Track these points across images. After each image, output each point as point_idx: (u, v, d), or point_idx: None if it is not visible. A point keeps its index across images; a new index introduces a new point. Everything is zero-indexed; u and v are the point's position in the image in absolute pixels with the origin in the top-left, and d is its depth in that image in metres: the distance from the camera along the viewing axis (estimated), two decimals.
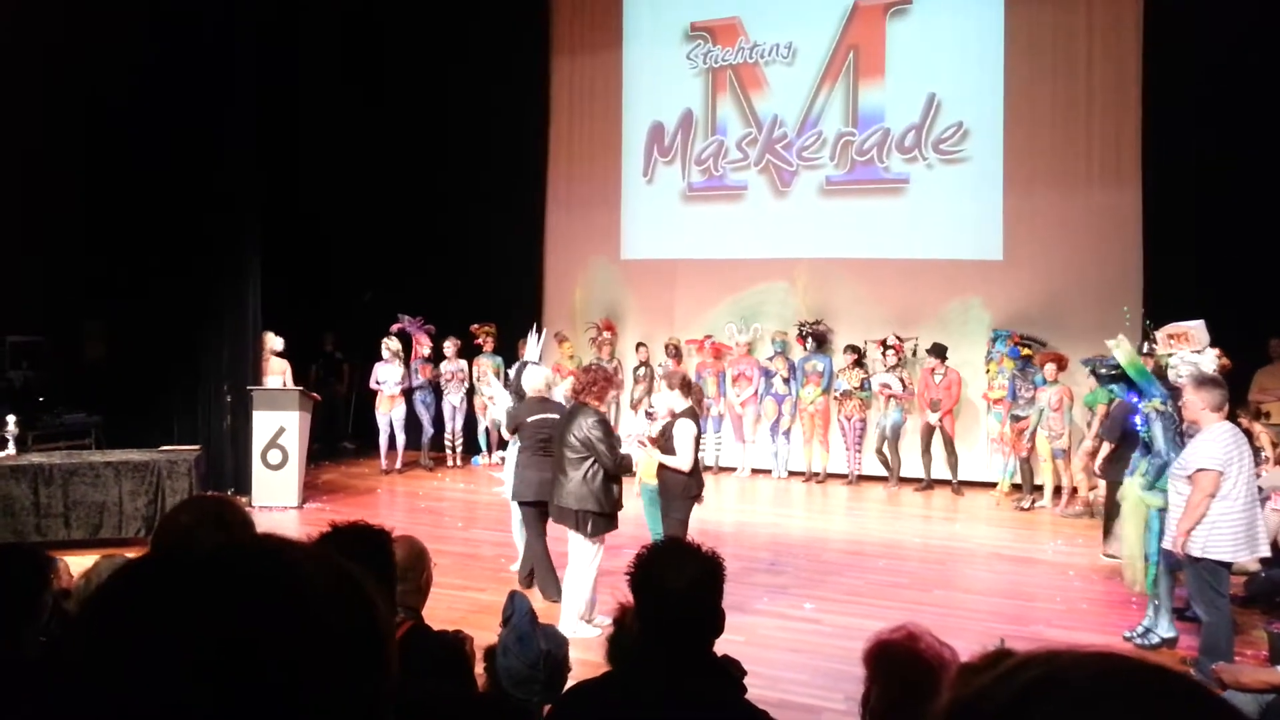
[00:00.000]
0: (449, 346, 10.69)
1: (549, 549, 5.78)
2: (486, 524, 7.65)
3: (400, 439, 10.35)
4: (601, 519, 5.24)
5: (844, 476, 10.06)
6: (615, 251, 11.28)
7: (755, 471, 10.48)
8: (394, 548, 2.26)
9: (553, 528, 5.61)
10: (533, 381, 5.93)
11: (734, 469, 10.54)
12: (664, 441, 5.44)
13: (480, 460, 10.96)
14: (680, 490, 5.42)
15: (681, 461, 5.35)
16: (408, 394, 10.47)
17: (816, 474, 10.17)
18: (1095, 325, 9.01)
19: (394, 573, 2.25)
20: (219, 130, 8.61)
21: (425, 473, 10.46)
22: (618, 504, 5.27)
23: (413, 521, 7.67)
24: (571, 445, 5.18)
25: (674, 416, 5.46)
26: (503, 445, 8.99)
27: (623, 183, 11.27)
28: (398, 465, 10.38)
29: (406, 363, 10.48)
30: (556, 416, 5.65)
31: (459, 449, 10.83)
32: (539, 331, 6.82)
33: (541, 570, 5.74)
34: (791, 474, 10.34)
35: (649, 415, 5.86)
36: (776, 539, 7.59)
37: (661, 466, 5.43)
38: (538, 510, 5.78)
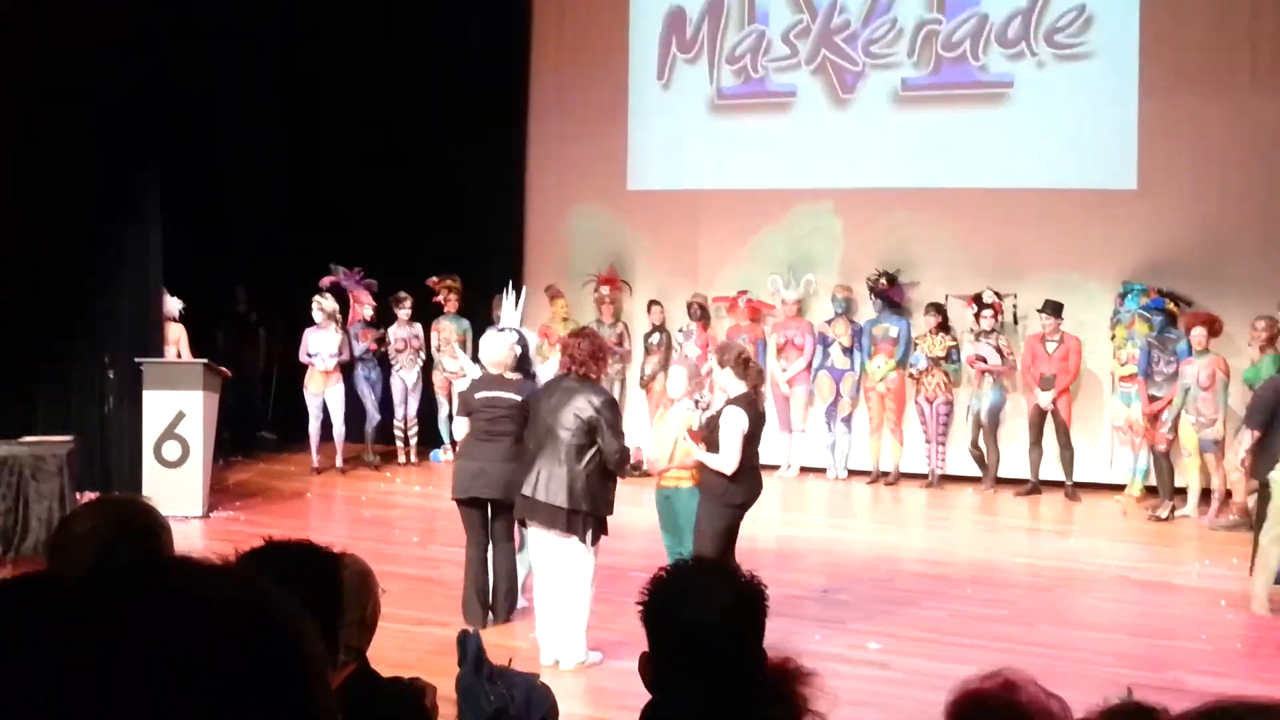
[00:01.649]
0: (399, 306, 10.73)
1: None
2: (450, 538, 7.70)
3: (338, 428, 10.42)
4: (599, 524, 5.36)
5: (922, 477, 10.11)
6: (620, 181, 11.28)
7: (805, 470, 10.53)
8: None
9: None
10: (490, 352, 6.05)
11: (777, 467, 10.56)
12: (711, 435, 5.48)
13: (441, 455, 11.03)
14: (717, 495, 5.47)
15: (723, 460, 5.40)
16: (347, 369, 10.55)
17: (886, 474, 10.22)
18: (1260, 276, 8.96)
19: (342, 609, 2.28)
20: (102, 37, 8.65)
21: (370, 471, 10.55)
22: (611, 506, 5.41)
23: (355, 535, 7.73)
24: (568, 428, 5.25)
25: (726, 403, 5.52)
26: None
27: (630, 89, 11.23)
28: (335, 462, 10.46)
29: (344, 328, 10.55)
30: (514, 396, 5.79)
31: (414, 440, 10.90)
32: (517, 289, 6.82)
33: (501, 585, 5.89)
34: (853, 473, 10.39)
35: (697, 404, 5.90)
36: (833, 558, 7.63)
37: (703, 466, 5.52)
38: (480, 512, 5.94)
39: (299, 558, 2.19)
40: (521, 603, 6.10)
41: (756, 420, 5.50)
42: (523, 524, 5.63)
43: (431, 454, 11.11)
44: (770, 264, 10.70)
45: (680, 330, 10.71)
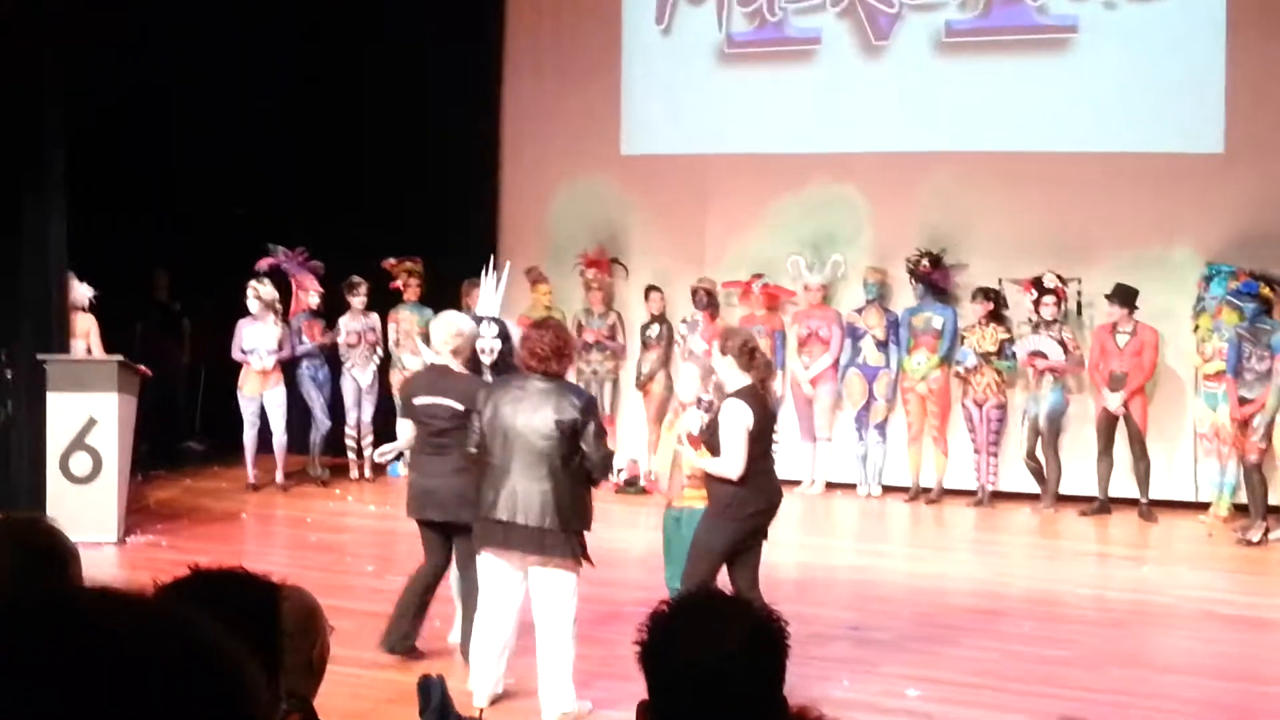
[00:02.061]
0: (352, 294, 10.71)
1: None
2: (410, 567, 7.71)
3: (278, 436, 10.42)
4: (582, 542, 5.40)
5: (970, 494, 10.12)
6: (612, 144, 11.28)
7: (832, 486, 10.55)
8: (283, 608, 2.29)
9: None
10: (434, 339, 6.07)
11: (798, 482, 10.57)
12: (712, 438, 5.52)
13: (401, 469, 10.96)
14: (724, 507, 5.50)
15: (726, 463, 5.42)
16: (288, 367, 10.55)
17: (927, 490, 10.23)
18: None
19: (281, 651, 2.28)
20: None
21: (317, 488, 10.56)
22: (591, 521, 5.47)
23: (299, 563, 7.72)
24: (548, 436, 5.26)
25: (724, 396, 5.55)
26: None
27: (624, 36, 11.23)
28: (275, 477, 10.47)
29: (286, 319, 10.55)
30: (456, 405, 5.80)
31: (368, 451, 10.86)
32: (497, 269, 6.78)
33: (468, 617, 5.89)
34: (888, 489, 10.40)
35: (699, 403, 5.93)
36: (864, 590, 7.63)
37: (709, 478, 5.56)
38: (439, 534, 5.98)
39: (230, 589, 2.18)
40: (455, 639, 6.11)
41: (764, 416, 5.54)
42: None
43: (390, 468, 11.07)
44: (790, 242, 10.69)
45: (684, 321, 10.71)
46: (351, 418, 10.86)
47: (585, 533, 5.41)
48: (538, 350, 5.34)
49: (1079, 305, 9.93)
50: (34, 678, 0.69)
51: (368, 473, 10.92)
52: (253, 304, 10.28)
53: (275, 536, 9.36)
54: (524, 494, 5.25)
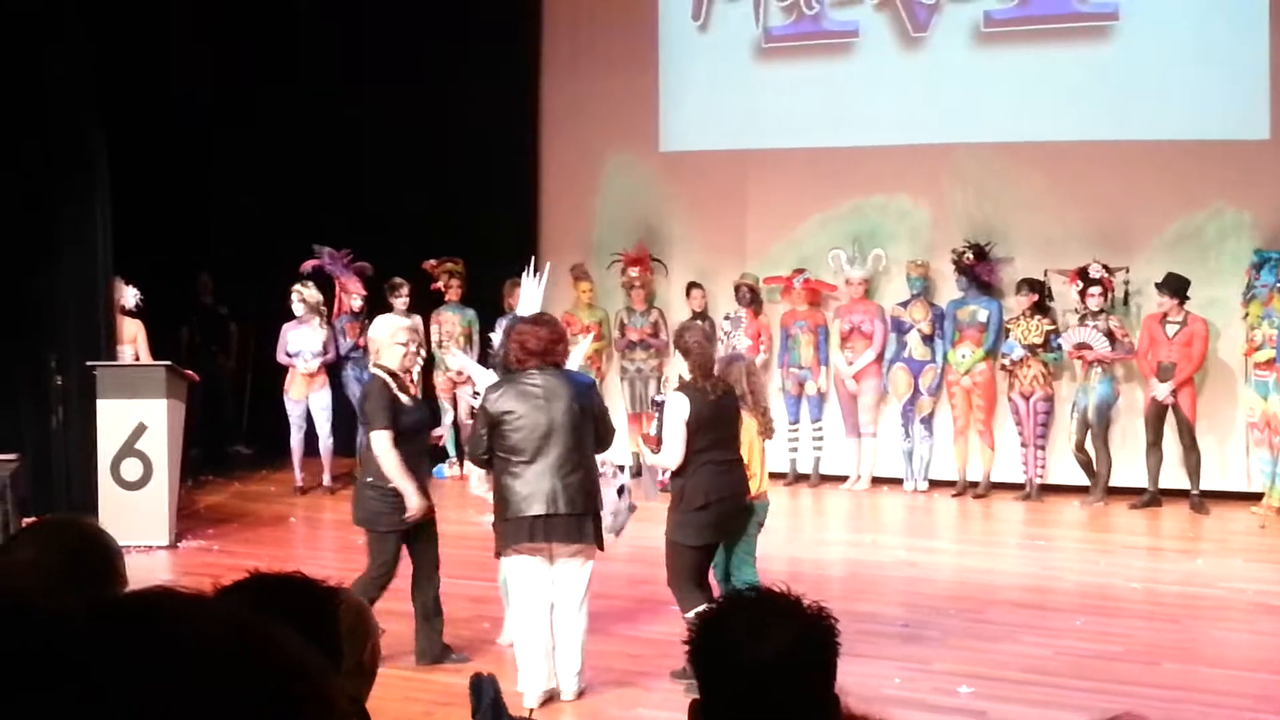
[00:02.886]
0: (394, 295, 10.77)
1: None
2: (458, 568, 7.75)
3: (324, 440, 10.51)
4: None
5: (1018, 488, 10.08)
6: (650, 142, 11.32)
7: (878, 482, 10.56)
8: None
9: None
10: (374, 333, 6.24)
11: (844, 478, 10.58)
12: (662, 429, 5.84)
13: (446, 470, 11.09)
14: (675, 501, 5.75)
15: (663, 455, 5.75)
16: (333, 370, 10.63)
17: (974, 484, 10.20)
18: None
19: (341, 655, 2.30)
20: None
21: None
22: None
23: (346, 566, 7.71)
24: (575, 423, 5.51)
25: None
26: None
27: (660, 33, 11.26)
28: (322, 480, 10.54)
29: (330, 321, 10.63)
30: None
31: None
32: (538, 269, 6.82)
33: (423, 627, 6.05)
34: (934, 484, 10.39)
35: (655, 406, 6.22)
36: (914, 586, 7.62)
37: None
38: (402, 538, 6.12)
39: (290, 593, 2.19)
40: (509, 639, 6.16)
41: (706, 408, 5.67)
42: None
43: (435, 469, 11.14)
44: (832, 236, 10.70)
45: (726, 318, 10.74)
46: None
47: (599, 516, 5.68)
48: (530, 344, 5.50)
49: (1126, 295, 9.85)
50: (128, 685, 0.70)
51: None
52: (297, 307, 10.35)
53: (323, 539, 9.42)
54: (563, 484, 5.43)
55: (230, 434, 11.86)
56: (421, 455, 6.23)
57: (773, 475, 10.38)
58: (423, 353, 10.91)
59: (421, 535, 6.06)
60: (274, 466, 11.15)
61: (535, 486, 5.43)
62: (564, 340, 5.74)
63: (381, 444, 5.85)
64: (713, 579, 5.94)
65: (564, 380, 5.55)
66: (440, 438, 6.88)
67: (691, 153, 11.17)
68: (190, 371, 9.12)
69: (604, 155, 11.43)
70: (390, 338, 6.07)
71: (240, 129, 11.56)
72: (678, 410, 5.67)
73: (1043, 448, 9.96)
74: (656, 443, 5.86)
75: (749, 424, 5.97)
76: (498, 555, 5.69)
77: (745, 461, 5.88)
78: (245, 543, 8.72)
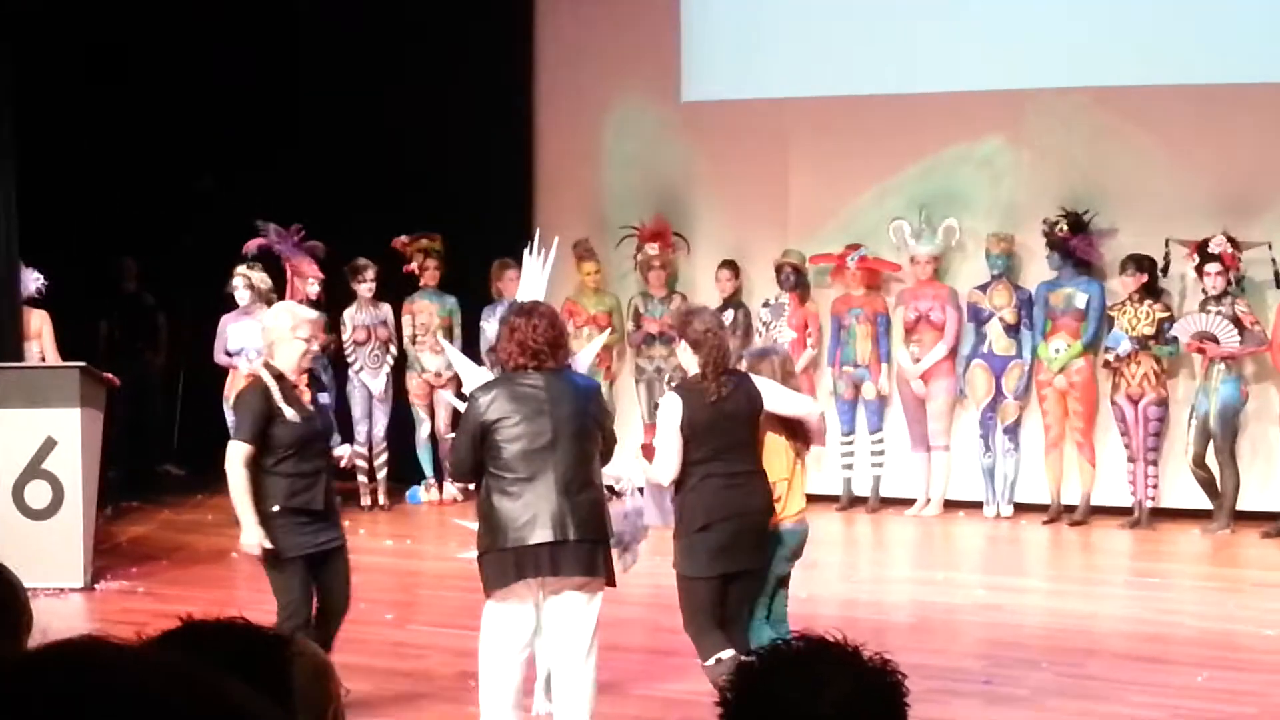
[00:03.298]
0: (358, 280, 10.80)
1: None
2: (440, 615, 7.76)
3: None
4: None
5: (1125, 512, 10.06)
6: (669, 89, 11.31)
7: (952, 505, 10.53)
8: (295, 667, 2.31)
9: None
10: (270, 323, 6.33)
11: (910, 501, 10.57)
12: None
13: (422, 494, 11.09)
14: (675, 524, 5.81)
15: (655, 467, 5.82)
16: None
17: (1070, 509, 10.19)
18: None
19: (294, 711, 2.31)
20: None
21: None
22: None
23: None
24: (586, 434, 5.56)
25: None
26: None
27: None
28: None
29: None
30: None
31: (382, 473, 11.01)
32: (540, 246, 6.76)
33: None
34: (1022, 509, 10.35)
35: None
36: (996, 633, 7.59)
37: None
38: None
39: (234, 645, 2.18)
40: (546, 707, 6.15)
41: (704, 410, 5.73)
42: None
43: (409, 493, 11.17)
44: (894, 204, 10.68)
45: (765, 305, 10.74)
46: (360, 432, 10.89)
47: (624, 556, 5.83)
48: (530, 342, 5.49)
49: (1276, 275, 9.71)
50: None
51: (382, 499, 11.00)
52: (241, 295, 10.31)
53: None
54: (573, 505, 5.41)
55: (159, 451, 11.85)
56: (318, 476, 6.18)
57: (823, 498, 10.51)
58: (392, 349, 10.97)
59: (329, 566, 6.14)
60: (211, 490, 11.10)
61: (538, 509, 5.40)
62: (563, 340, 5.77)
63: (232, 457, 5.95)
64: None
65: (568, 382, 5.59)
66: (343, 459, 6.82)
67: (721, 103, 11.14)
68: (110, 375, 9.12)
69: (613, 106, 11.42)
70: (291, 331, 6.10)
71: (169, 89, 11.59)
72: (669, 414, 5.75)
73: (1154, 463, 9.94)
74: (652, 453, 5.97)
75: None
76: (489, 594, 5.65)
77: (771, 476, 5.90)
78: (177, 584, 8.71)
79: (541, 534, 5.38)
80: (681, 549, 5.74)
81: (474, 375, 6.64)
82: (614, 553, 5.84)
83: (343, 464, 6.78)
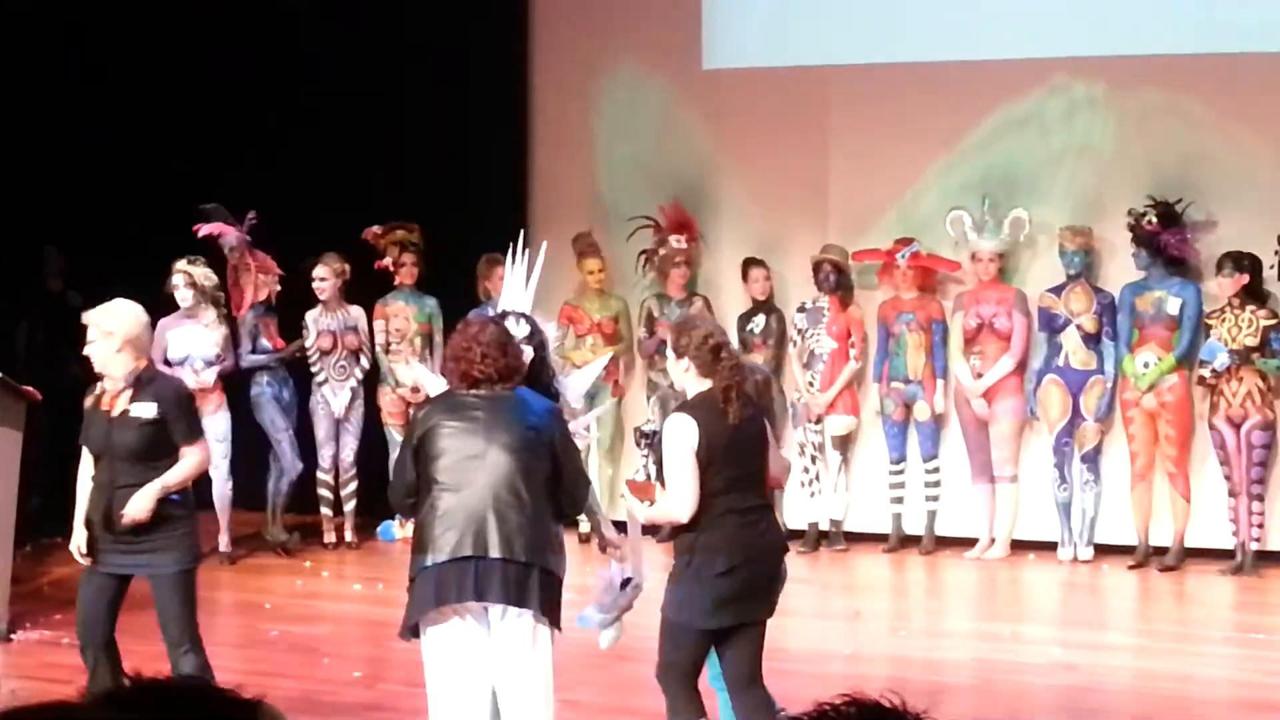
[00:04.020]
0: (322, 279, 10.78)
1: None
2: (415, 672, 7.71)
3: (221, 485, 10.48)
4: (557, 594, 5.56)
5: (1226, 556, 10.03)
6: (688, 55, 11.32)
7: (1020, 546, 10.50)
8: None
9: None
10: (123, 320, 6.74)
11: (971, 541, 10.56)
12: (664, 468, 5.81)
13: (397, 531, 11.03)
14: (683, 568, 5.73)
15: (670, 502, 5.71)
16: (237, 385, 10.63)
17: (1161, 551, 10.16)
18: None
19: None
20: None
21: (279, 558, 10.65)
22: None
23: (258, 669, 7.75)
24: (516, 449, 5.49)
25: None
26: None
27: None
28: (219, 544, 10.55)
29: (230, 315, 10.64)
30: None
31: (350, 505, 11.00)
32: (528, 247, 6.77)
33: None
34: (1103, 551, 10.31)
35: (642, 439, 6.28)
36: (1073, 699, 7.59)
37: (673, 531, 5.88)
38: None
39: (191, 708, 2.19)
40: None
41: (725, 433, 5.72)
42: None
43: (381, 528, 11.13)
44: (952, 191, 10.67)
45: (801, 310, 10.73)
46: (325, 456, 10.91)
47: (602, 634, 5.67)
48: (476, 373, 5.55)
49: None
50: None
51: (349, 535, 10.99)
52: (183, 294, 10.32)
53: (222, 630, 9.32)
54: (496, 515, 5.39)
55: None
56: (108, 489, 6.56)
57: (870, 537, 10.59)
58: (363, 360, 10.94)
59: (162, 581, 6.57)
60: None
61: (455, 519, 5.41)
62: (519, 360, 5.76)
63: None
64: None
65: (518, 396, 5.60)
66: None
67: (749, 71, 11.17)
68: (30, 388, 9.11)
69: (620, 76, 11.46)
70: (144, 330, 6.71)
71: (97, 55, 11.66)
72: (683, 437, 5.67)
73: (1260, 498, 9.91)
74: (648, 491, 5.87)
75: None
76: (406, 634, 5.61)
77: None
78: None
79: (458, 547, 5.38)
80: (683, 594, 5.68)
81: (434, 384, 6.71)
82: (596, 621, 5.85)
83: None
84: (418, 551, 5.50)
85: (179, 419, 6.52)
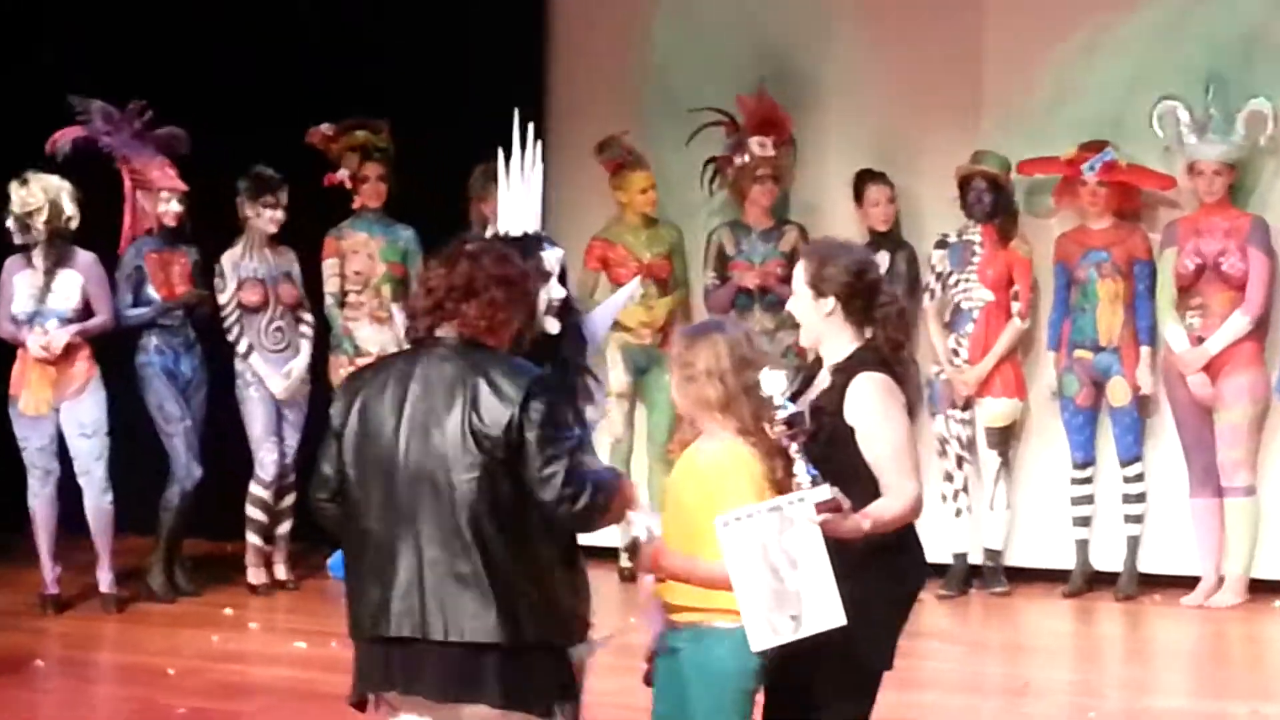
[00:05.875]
0: (257, 200, 10.81)
1: None
2: None
3: (95, 496, 10.51)
4: (568, 679, 5.52)
5: None
6: None
7: (1261, 588, 10.53)
8: None
9: None
10: None
11: (1191, 581, 10.53)
12: (829, 458, 5.61)
13: None
14: (878, 583, 5.59)
15: (896, 496, 5.59)
16: (115, 351, 10.71)
17: None
18: None
19: None
20: None
21: (182, 604, 10.72)
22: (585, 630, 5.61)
23: None
24: (458, 460, 5.37)
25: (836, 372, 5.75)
26: None
27: None
28: (100, 582, 10.63)
29: (115, 255, 10.71)
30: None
31: (285, 526, 11.15)
32: (526, 141, 6.75)
33: None
34: (1260, 586, 10.33)
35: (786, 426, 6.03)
36: None
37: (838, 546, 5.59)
38: None
39: None
40: None
41: (908, 408, 5.83)
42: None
43: (332, 560, 11.06)
44: (1156, 76, 10.73)
45: (942, 245, 10.89)
46: (265, 461, 11.00)
47: (570, 651, 5.53)
48: (443, 302, 5.44)
49: None
50: None
51: (283, 573, 11.16)
52: (18, 224, 10.35)
53: (107, 707, 9.39)
54: (433, 571, 5.36)
55: None
56: None
57: (1041, 573, 10.71)
58: (306, 319, 10.97)
59: None
60: (7, 554, 11.22)
61: (371, 580, 5.44)
62: (504, 300, 5.60)
63: None
64: None
65: (472, 370, 5.44)
66: None
67: None
68: None
69: None
70: None
71: None
72: (894, 401, 5.66)
73: None
74: (839, 505, 5.55)
75: (739, 457, 5.74)
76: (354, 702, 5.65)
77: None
78: None
79: (382, 623, 5.41)
80: (874, 627, 5.60)
81: None
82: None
83: None
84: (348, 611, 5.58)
85: None
